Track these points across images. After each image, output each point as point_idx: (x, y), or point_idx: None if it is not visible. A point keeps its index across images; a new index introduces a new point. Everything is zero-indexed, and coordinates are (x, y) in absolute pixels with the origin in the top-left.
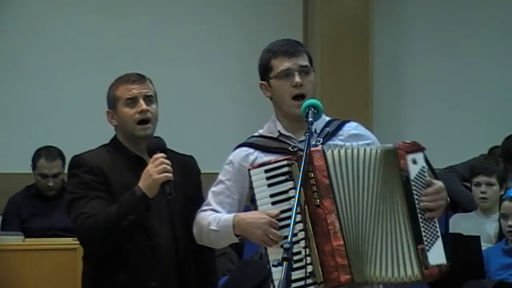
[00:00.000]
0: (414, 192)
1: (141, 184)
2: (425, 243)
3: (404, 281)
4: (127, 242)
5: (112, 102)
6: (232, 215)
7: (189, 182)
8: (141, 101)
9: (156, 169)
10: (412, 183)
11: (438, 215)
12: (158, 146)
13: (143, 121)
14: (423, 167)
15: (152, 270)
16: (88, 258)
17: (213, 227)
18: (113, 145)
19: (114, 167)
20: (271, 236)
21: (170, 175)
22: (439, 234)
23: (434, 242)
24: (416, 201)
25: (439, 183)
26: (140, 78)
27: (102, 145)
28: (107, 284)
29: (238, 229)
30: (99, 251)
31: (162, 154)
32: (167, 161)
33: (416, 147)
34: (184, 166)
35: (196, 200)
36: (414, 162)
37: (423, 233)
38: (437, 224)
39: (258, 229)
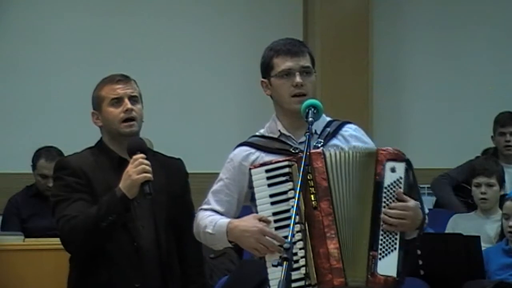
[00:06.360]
0: (384, 200)
1: (121, 185)
2: (379, 251)
3: (351, 284)
4: (108, 242)
5: (97, 102)
6: (227, 220)
7: (174, 184)
8: (126, 101)
9: (135, 169)
10: (384, 190)
11: (398, 230)
12: (138, 147)
13: (128, 120)
14: (400, 177)
15: (136, 271)
16: (73, 260)
17: (209, 230)
18: (98, 147)
19: (98, 168)
20: (264, 244)
21: (150, 175)
22: (396, 247)
23: (388, 253)
24: (383, 210)
25: (410, 202)
26: (124, 78)
27: (88, 148)
28: (91, 285)
29: (232, 235)
30: (81, 252)
31: (142, 155)
32: (146, 161)
33: (398, 156)
34: (170, 168)
35: (182, 201)
36: (393, 170)
37: (380, 242)
38: (397, 237)
39: (251, 238)
